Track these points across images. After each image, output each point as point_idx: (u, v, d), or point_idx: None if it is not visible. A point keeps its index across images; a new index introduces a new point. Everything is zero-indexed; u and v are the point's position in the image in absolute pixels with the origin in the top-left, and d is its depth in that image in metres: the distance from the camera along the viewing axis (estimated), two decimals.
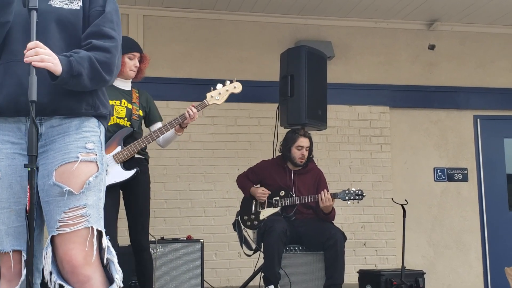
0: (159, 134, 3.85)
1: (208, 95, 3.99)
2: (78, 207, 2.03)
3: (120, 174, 3.74)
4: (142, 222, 3.86)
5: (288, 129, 5.96)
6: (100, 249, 2.08)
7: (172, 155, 6.76)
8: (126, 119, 3.83)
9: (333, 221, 4.82)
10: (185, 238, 4.57)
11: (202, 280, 4.46)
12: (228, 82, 4.06)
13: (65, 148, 2.04)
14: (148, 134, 3.84)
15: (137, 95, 3.97)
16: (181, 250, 4.47)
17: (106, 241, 2.10)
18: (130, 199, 3.86)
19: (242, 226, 4.91)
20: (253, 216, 4.88)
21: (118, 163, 3.74)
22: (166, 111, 6.81)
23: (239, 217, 4.99)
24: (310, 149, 4.89)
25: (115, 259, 2.13)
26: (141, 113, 3.92)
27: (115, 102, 3.82)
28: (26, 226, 1.84)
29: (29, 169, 1.78)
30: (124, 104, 3.86)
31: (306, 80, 5.71)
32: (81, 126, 2.12)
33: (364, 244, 7.13)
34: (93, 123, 2.17)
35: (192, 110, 3.86)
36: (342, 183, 7.14)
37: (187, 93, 6.89)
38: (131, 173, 3.76)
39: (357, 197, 4.61)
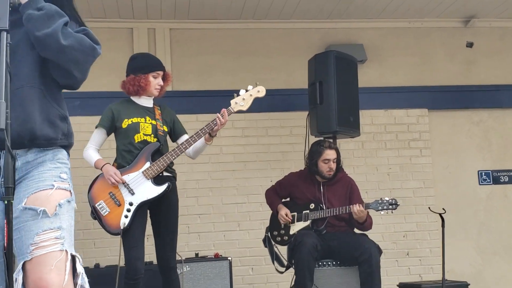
0: (187, 146, 3.74)
1: (232, 101, 3.87)
2: (52, 229, 1.92)
3: (152, 190, 3.66)
4: (170, 241, 3.76)
5: (318, 138, 5.78)
6: (74, 275, 1.95)
7: (204, 169, 6.64)
8: (152, 135, 3.76)
9: (369, 230, 4.59)
10: (213, 256, 4.41)
11: None
12: (250, 87, 3.93)
13: (40, 176, 1.94)
14: (176, 147, 3.73)
15: (159, 111, 3.88)
16: (209, 269, 4.33)
17: (80, 267, 1.98)
18: (159, 217, 3.76)
19: (273, 242, 4.73)
20: (283, 232, 4.70)
21: (148, 179, 3.65)
22: (195, 124, 6.71)
23: (269, 233, 4.81)
24: (338, 159, 4.68)
25: (87, 286, 2.00)
26: (165, 128, 3.83)
27: (140, 120, 3.76)
28: (4, 263, 1.71)
29: (5, 202, 1.66)
30: (149, 121, 3.79)
31: (335, 86, 5.51)
32: (55, 157, 2.04)
33: (407, 254, 6.83)
34: (64, 155, 2.10)
35: (221, 117, 3.74)
36: (381, 191, 6.87)
37: (216, 105, 6.70)
38: (163, 188, 3.67)
39: (390, 207, 4.37)
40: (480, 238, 7.05)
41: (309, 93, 5.73)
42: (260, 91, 3.98)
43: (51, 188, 1.94)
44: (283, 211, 4.68)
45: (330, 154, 4.62)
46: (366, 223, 4.45)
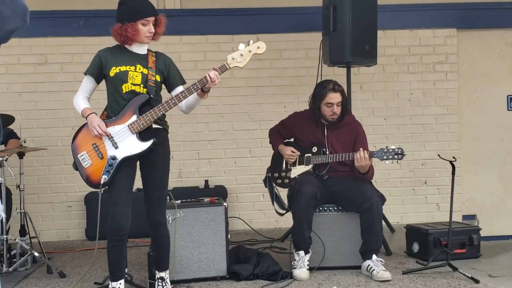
0: (176, 102, 3.45)
1: (229, 57, 3.51)
2: None
3: (136, 146, 3.43)
4: (159, 197, 3.56)
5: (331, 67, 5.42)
6: None
7: (214, 93, 6.29)
8: (142, 85, 3.45)
9: (371, 180, 4.35)
10: (205, 201, 4.26)
11: (227, 245, 4.18)
12: (251, 41, 3.56)
13: None
14: (166, 100, 3.47)
15: (154, 59, 3.54)
16: (204, 214, 4.16)
17: None
18: (147, 172, 3.55)
19: (273, 184, 4.54)
20: (284, 174, 4.48)
21: (133, 133, 3.42)
22: (205, 46, 6.41)
23: (269, 174, 4.60)
24: (343, 103, 4.33)
25: None
26: (158, 78, 3.50)
27: (129, 68, 3.45)
28: None
29: None
30: (139, 69, 3.46)
31: (350, 12, 5.05)
32: None
33: (425, 183, 6.60)
34: None
35: (212, 73, 3.42)
36: (400, 117, 6.56)
37: (228, 25, 6.39)
38: (147, 144, 3.43)
39: (396, 157, 4.08)
40: (504, 167, 6.73)
41: (323, 18, 5.28)
42: (260, 47, 3.59)
43: None
44: (288, 150, 4.42)
45: (333, 97, 4.28)
46: (368, 174, 4.19)
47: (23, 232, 4.77)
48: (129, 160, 3.47)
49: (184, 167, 6.36)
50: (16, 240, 4.50)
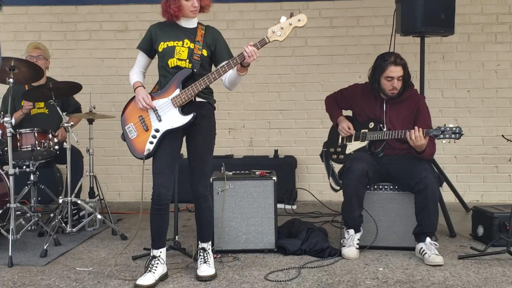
0: (216, 76, 3.45)
1: (270, 30, 3.43)
2: None
3: (178, 119, 3.47)
4: (201, 170, 3.60)
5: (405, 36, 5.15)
6: None
7: (287, 62, 6.31)
8: (187, 60, 3.48)
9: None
10: (257, 175, 4.25)
11: (276, 218, 4.17)
12: (292, 14, 3.46)
13: None
14: (207, 74, 3.47)
15: (203, 32, 3.54)
16: (252, 187, 4.16)
17: None
18: (191, 145, 3.60)
19: (329, 159, 4.44)
20: (340, 149, 4.36)
21: (176, 107, 3.47)
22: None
23: (326, 149, 4.50)
24: (405, 77, 4.10)
25: None
26: (204, 52, 3.50)
27: (176, 43, 3.48)
28: None
29: None
30: (187, 44, 3.48)
31: None
32: None
33: (509, 160, 6.19)
34: None
35: (248, 49, 3.37)
36: (485, 90, 6.16)
37: None
38: (188, 118, 3.46)
39: (453, 136, 3.82)
40: None
41: None
42: (301, 20, 3.46)
43: None
44: (345, 123, 4.30)
45: (394, 71, 4.06)
46: (424, 154, 3.97)
47: (92, 194, 5.02)
48: (173, 133, 3.51)
49: (255, 136, 6.38)
50: (79, 201, 4.74)
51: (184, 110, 3.50)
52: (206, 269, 3.63)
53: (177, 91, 3.48)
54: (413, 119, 4.14)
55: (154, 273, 3.49)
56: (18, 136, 4.58)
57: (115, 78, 6.47)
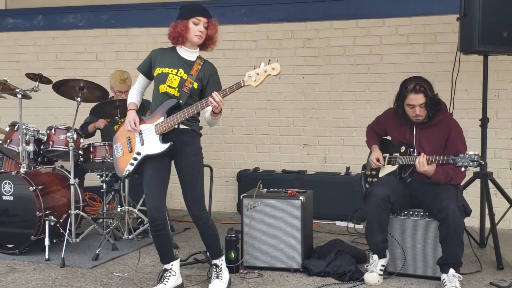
0: (194, 111, 3.59)
1: (247, 74, 3.49)
2: None
3: (157, 146, 3.62)
4: (190, 194, 3.73)
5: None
6: None
7: (362, 79, 6.26)
8: (176, 89, 3.67)
9: (459, 185, 3.96)
10: (286, 194, 4.33)
11: (303, 238, 4.21)
12: (269, 62, 3.51)
13: None
14: (187, 107, 3.62)
15: (199, 67, 3.73)
16: (280, 207, 4.25)
17: None
18: (179, 170, 3.74)
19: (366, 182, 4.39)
20: (374, 173, 4.29)
21: (157, 134, 3.65)
22: (355, 31, 6.26)
23: (363, 171, 4.46)
24: (429, 103, 3.95)
25: None
26: (195, 85, 3.66)
27: (170, 71, 3.68)
28: None
29: None
30: (180, 73, 3.67)
31: None
32: None
33: None
34: None
35: (214, 99, 3.50)
36: None
37: (379, 8, 6.13)
38: (164, 147, 3.63)
39: (471, 164, 3.63)
40: None
41: (460, 1, 4.80)
42: (275, 69, 3.46)
43: None
44: (374, 155, 4.26)
45: (414, 99, 3.93)
46: (433, 178, 3.81)
47: None
48: (157, 157, 3.68)
49: (328, 152, 6.40)
50: (135, 211, 5.15)
51: (166, 137, 3.66)
52: (217, 284, 3.81)
53: (161, 119, 3.65)
54: (444, 143, 3.99)
55: (165, 284, 3.75)
56: (91, 149, 5.11)
57: None
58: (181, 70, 3.69)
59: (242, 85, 3.50)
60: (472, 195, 5.13)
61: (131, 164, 3.74)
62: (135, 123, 3.72)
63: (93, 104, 5.19)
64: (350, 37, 6.26)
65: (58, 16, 7.22)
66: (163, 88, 3.69)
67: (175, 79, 3.67)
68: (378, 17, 6.12)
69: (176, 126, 3.64)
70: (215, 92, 3.51)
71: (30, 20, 7.36)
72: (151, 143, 3.69)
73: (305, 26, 6.41)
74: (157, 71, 3.72)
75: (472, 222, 5.52)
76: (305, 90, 6.42)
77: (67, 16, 7.20)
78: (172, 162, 3.80)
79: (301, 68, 6.42)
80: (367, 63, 6.21)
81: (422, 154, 3.79)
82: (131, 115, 3.76)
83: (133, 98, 3.88)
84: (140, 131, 3.73)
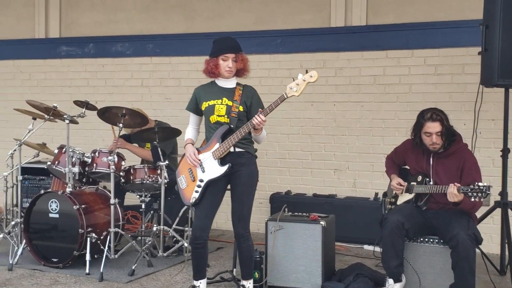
0: (242, 133, 3.93)
1: (287, 87, 3.84)
2: None
3: (217, 170, 3.99)
4: (239, 212, 4.08)
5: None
6: None
7: (391, 108, 6.48)
8: (225, 116, 4.03)
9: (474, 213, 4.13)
10: (308, 218, 4.59)
11: (323, 261, 4.46)
12: (307, 71, 3.85)
13: None
14: (238, 129, 3.97)
15: (240, 92, 4.08)
16: (302, 230, 4.51)
17: None
18: (232, 189, 4.10)
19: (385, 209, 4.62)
20: (393, 200, 4.50)
21: (216, 159, 4.02)
22: (384, 61, 6.49)
23: (384, 198, 4.68)
24: (445, 132, 4.16)
25: None
26: (241, 108, 4.02)
27: (216, 102, 4.05)
28: None
29: None
30: (225, 102, 4.03)
31: (500, 32, 4.71)
32: None
33: None
34: None
35: (256, 119, 3.85)
36: None
37: (409, 40, 6.35)
38: (224, 169, 3.98)
39: (479, 195, 3.81)
40: None
41: (481, 35, 5.00)
42: (312, 76, 3.80)
43: None
44: (395, 180, 4.49)
45: (431, 127, 4.16)
46: (461, 205, 3.99)
47: (190, 224, 5.76)
48: (215, 181, 4.05)
49: (358, 177, 6.62)
50: (170, 230, 5.49)
51: (224, 160, 4.03)
52: None
53: (217, 145, 4.03)
54: (459, 173, 4.18)
55: None
56: (131, 171, 5.52)
57: None
58: (224, 98, 4.05)
59: (285, 97, 3.84)
60: (497, 222, 5.28)
61: (196, 191, 4.07)
62: (195, 154, 4.06)
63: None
64: (380, 67, 6.49)
65: (107, 45, 7.73)
66: (213, 118, 4.06)
67: (222, 108, 4.03)
68: (407, 49, 6.35)
69: (231, 150, 3.99)
70: (260, 110, 3.86)
71: (82, 48, 7.89)
72: (211, 168, 4.03)
73: (337, 56, 6.68)
74: (204, 105, 4.09)
75: (493, 249, 5.67)
76: (336, 117, 6.68)
77: (115, 45, 7.70)
78: None
79: (333, 96, 6.68)
80: (396, 92, 6.43)
81: (452, 184, 3.97)
82: (190, 149, 4.12)
83: (189, 135, 4.26)
84: (200, 160, 4.06)
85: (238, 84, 4.14)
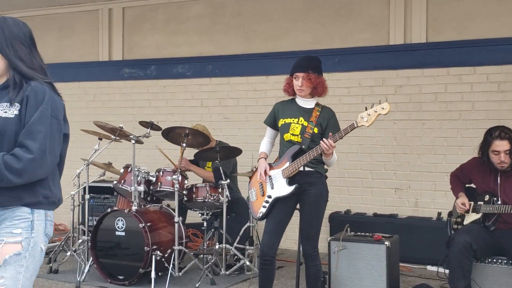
0: (311, 156, 3.97)
1: (359, 115, 3.86)
2: None
3: (284, 189, 4.04)
4: (307, 231, 4.09)
5: None
6: None
7: (453, 126, 6.38)
8: (299, 136, 4.07)
9: None
10: (372, 238, 4.55)
11: (388, 282, 4.41)
12: (380, 102, 3.87)
13: None
14: (309, 152, 4.01)
15: (318, 113, 4.12)
16: (366, 250, 4.47)
17: None
18: (301, 209, 4.14)
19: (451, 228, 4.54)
20: (459, 220, 4.42)
21: (284, 177, 4.07)
22: (446, 78, 6.40)
23: (449, 218, 4.60)
24: None
25: None
26: (315, 130, 4.05)
27: (292, 120, 4.11)
28: None
29: None
30: (301, 121, 4.07)
31: None
32: (12, 215, 2.45)
33: None
34: (24, 211, 2.47)
35: (324, 144, 3.87)
36: None
37: (471, 56, 6.27)
38: (290, 189, 4.03)
39: None
40: None
41: None
42: (384, 108, 3.80)
43: (1, 243, 2.40)
44: (460, 200, 4.41)
45: (499, 145, 4.08)
46: None
47: (251, 242, 5.80)
48: (285, 199, 4.09)
49: (420, 197, 6.53)
50: (232, 248, 5.54)
51: (292, 180, 4.06)
52: None
53: (287, 164, 4.08)
54: None
55: None
56: (194, 189, 5.62)
57: None
58: (301, 118, 4.10)
59: (356, 126, 3.87)
60: None
61: (264, 206, 4.14)
62: (265, 172, 4.14)
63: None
64: (441, 84, 6.42)
65: (168, 67, 7.94)
66: (287, 136, 4.13)
67: (297, 127, 4.09)
68: (469, 65, 6.26)
69: (301, 169, 4.02)
70: (330, 134, 3.90)
71: (144, 70, 8.13)
72: (279, 186, 4.09)
73: (396, 74, 6.65)
74: (281, 122, 4.17)
75: None
76: (397, 135, 6.63)
77: (176, 66, 7.89)
78: None
79: (392, 114, 6.62)
80: (458, 109, 6.34)
81: (506, 206, 3.90)
82: (262, 164, 4.20)
83: (263, 148, 4.35)
84: (270, 176, 4.13)
85: (317, 104, 4.18)
